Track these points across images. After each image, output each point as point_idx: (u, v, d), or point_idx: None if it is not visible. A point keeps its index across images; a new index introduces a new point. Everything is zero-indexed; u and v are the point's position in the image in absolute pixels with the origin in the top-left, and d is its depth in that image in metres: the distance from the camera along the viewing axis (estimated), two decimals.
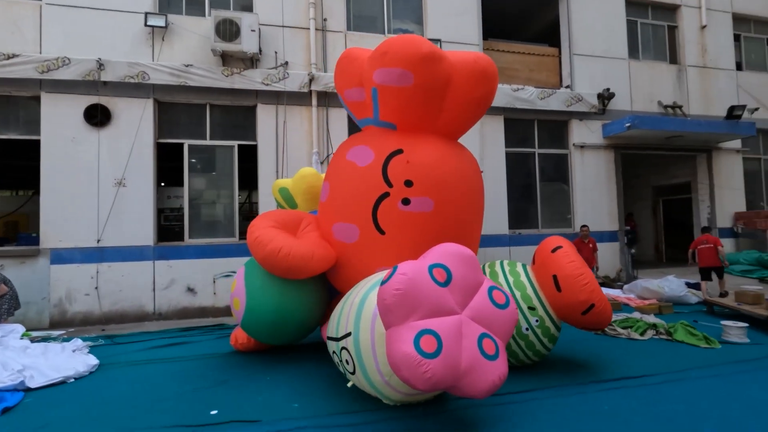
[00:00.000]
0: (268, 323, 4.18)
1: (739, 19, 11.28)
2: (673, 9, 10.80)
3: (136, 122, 7.14)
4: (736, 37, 11.30)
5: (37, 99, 6.90)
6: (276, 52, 7.85)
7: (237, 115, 7.88)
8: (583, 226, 8.29)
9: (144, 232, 7.10)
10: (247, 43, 7.25)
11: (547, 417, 3.14)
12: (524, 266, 4.25)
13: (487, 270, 4.23)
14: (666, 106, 10.25)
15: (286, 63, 7.85)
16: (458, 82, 3.97)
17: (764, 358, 4.48)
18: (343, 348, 3.29)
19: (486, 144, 8.80)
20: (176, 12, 7.63)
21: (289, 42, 7.95)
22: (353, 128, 8.03)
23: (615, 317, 5.67)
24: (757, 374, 4.06)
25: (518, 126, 9.37)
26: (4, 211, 10.64)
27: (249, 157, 7.94)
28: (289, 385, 3.86)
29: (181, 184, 7.54)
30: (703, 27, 10.79)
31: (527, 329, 3.88)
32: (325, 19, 8.19)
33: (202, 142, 7.63)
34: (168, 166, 8.01)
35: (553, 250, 3.94)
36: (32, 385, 3.84)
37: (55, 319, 6.68)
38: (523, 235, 9.08)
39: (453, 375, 2.60)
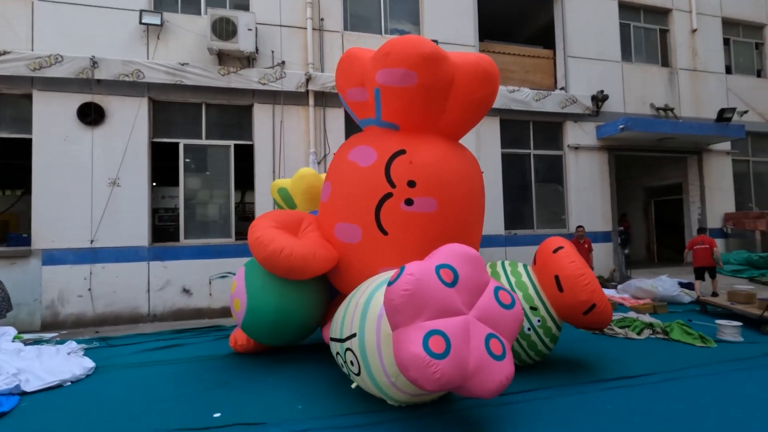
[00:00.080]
0: (269, 324, 4.14)
1: (728, 24, 11.49)
2: (665, 13, 10.97)
3: (130, 121, 7.04)
4: (726, 41, 11.51)
5: (29, 97, 6.77)
6: (273, 52, 7.80)
7: (233, 114, 7.81)
8: (579, 226, 8.37)
9: (138, 233, 7.00)
10: (243, 42, 7.20)
11: (551, 417, 3.16)
12: (525, 267, 4.28)
13: (489, 270, 4.25)
14: (658, 109, 10.40)
15: (283, 62, 7.81)
16: (460, 82, 3.98)
17: (759, 357, 4.56)
18: (347, 349, 3.27)
19: (482, 145, 8.84)
20: (171, 10, 7.54)
21: (286, 41, 7.90)
22: (350, 128, 8.01)
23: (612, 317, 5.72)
24: (752, 372, 4.13)
25: (514, 127, 9.44)
26: None
27: (245, 157, 7.87)
28: (291, 387, 3.84)
29: (176, 184, 7.46)
30: (694, 31, 10.97)
31: (529, 329, 3.91)
32: (322, 19, 8.16)
33: (198, 142, 7.55)
34: (163, 165, 7.91)
35: (555, 251, 3.97)
36: (28, 388, 3.76)
37: (47, 321, 6.56)
38: (519, 235, 9.14)
39: (461, 375, 2.60)
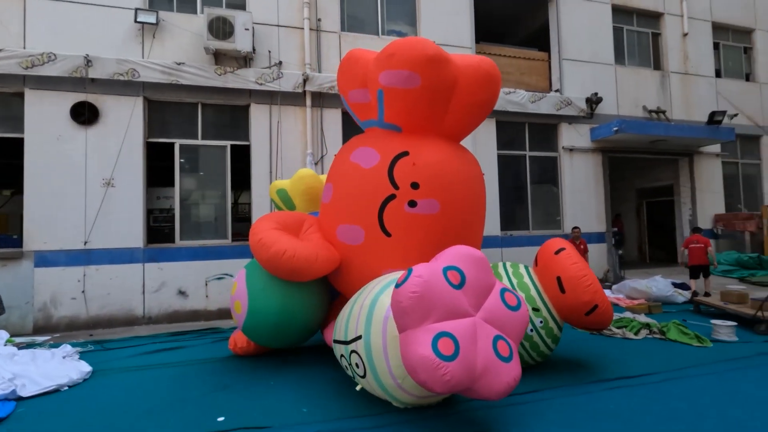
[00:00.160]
0: (271, 326, 4.11)
1: (718, 28, 11.70)
2: (657, 17, 11.13)
3: (125, 121, 6.95)
4: (716, 45, 11.71)
5: (21, 95, 6.64)
6: (270, 52, 7.75)
7: (230, 114, 7.74)
8: (575, 227, 8.45)
9: (133, 234, 6.90)
10: (240, 42, 7.14)
11: (556, 417, 3.18)
12: (526, 268, 4.30)
13: None
14: (650, 111, 10.54)
15: (280, 63, 7.76)
16: (463, 84, 3.99)
17: (753, 356, 4.64)
18: (352, 351, 3.26)
19: (478, 146, 8.87)
20: (167, 9, 7.45)
21: (283, 41, 7.86)
22: (348, 129, 8.00)
23: None
24: (747, 372, 4.20)
25: (509, 129, 9.50)
26: None
27: (242, 157, 7.81)
28: (293, 390, 3.81)
29: (171, 185, 7.37)
30: (685, 35, 11.15)
31: (531, 330, 3.93)
32: (319, 19, 8.13)
33: (194, 142, 7.47)
34: (158, 165, 7.81)
35: (557, 252, 4.00)
36: (24, 394, 3.69)
37: (39, 324, 6.43)
38: (515, 236, 9.20)
39: (470, 377, 2.61)
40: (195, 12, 7.60)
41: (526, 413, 3.23)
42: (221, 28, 7.04)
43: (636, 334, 5.37)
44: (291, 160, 7.71)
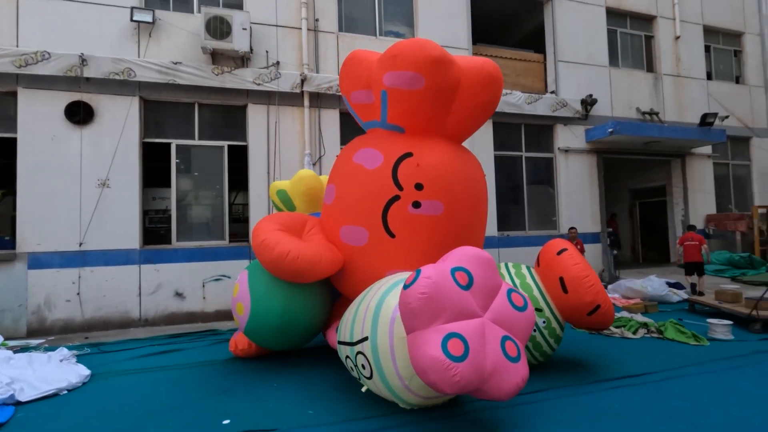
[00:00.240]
0: (274, 328, 4.08)
1: (709, 31, 11.89)
2: (650, 20, 11.27)
3: (120, 121, 6.86)
4: (707, 48, 11.90)
5: (14, 95, 6.53)
6: (267, 52, 7.71)
7: (227, 114, 7.69)
8: (572, 228, 8.52)
9: (129, 235, 6.82)
10: (238, 42, 7.10)
11: (561, 417, 3.20)
12: (529, 268, 4.33)
13: None
14: (644, 113, 10.68)
15: (278, 63, 7.73)
16: (466, 86, 4.00)
17: (749, 354, 4.71)
18: (359, 353, 3.25)
19: (475, 147, 8.87)
20: (164, 8, 7.38)
21: (281, 41, 7.83)
22: (346, 130, 7.99)
23: None
24: (744, 370, 4.25)
25: (506, 130, 9.55)
26: None
27: (239, 158, 7.76)
28: (297, 392, 3.79)
29: (168, 185, 7.30)
30: (677, 38, 11.31)
31: (535, 330, 3.95)
32: (317, 20, 8.11)
33: (191, 142, 7.41)
34: (154, 166, 7.73)
35: (559, 253, 4.03)
36: (23, 398, 3.62)
37: (33, 327, 6.33)
38: (511, 236, 9.25)
39: (479, 378, 2.61)
40: (192, 11, 7.54)
41: (532, 414, 3.24)
42: (218, 28, 6.99)
43: (634, 333, 5.43)
44: (289, 160, 7.68)
